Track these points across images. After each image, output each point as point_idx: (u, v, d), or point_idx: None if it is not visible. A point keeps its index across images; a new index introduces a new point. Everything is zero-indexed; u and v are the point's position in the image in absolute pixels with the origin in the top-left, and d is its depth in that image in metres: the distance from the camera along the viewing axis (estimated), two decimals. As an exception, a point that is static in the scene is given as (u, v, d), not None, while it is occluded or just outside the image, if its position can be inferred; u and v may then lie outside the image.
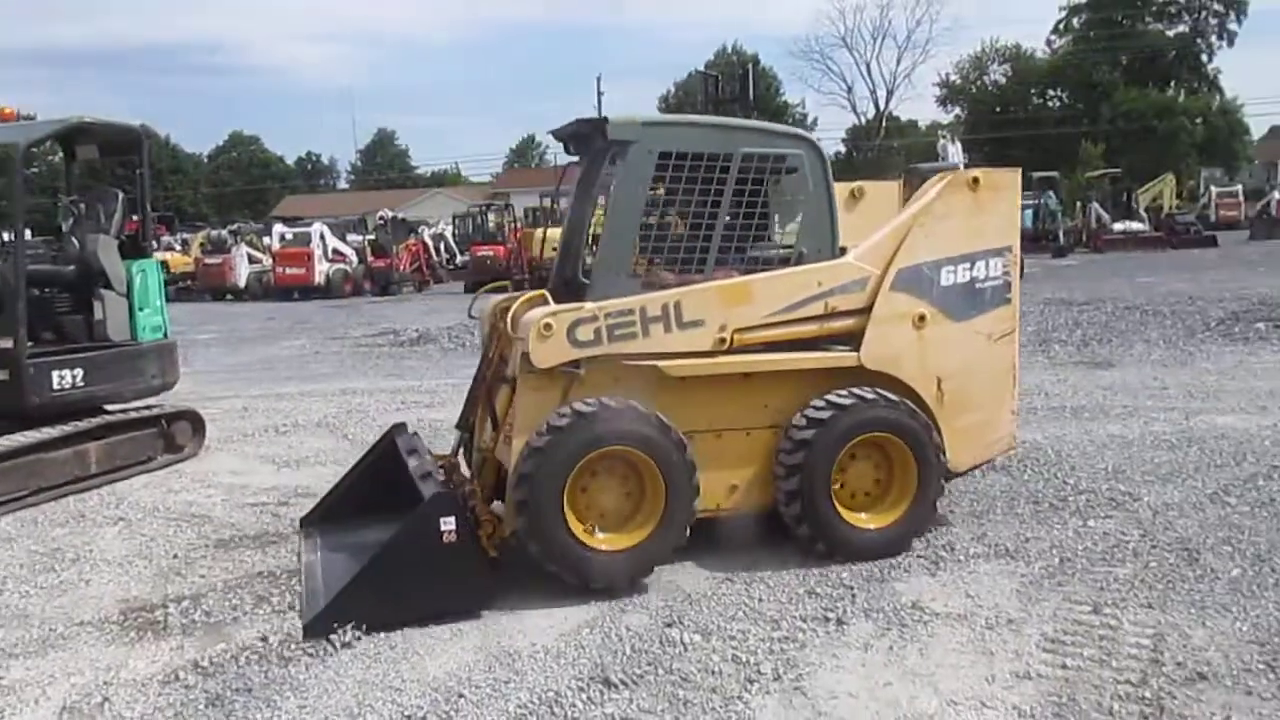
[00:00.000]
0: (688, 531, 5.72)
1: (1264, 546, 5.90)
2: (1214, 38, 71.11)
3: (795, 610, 5.24)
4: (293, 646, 4.96)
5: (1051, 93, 74.30)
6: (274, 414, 11.36)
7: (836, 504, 5.93)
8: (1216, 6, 70.23)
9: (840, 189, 6.59)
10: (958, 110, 77.32)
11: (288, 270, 32.06)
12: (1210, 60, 71.34)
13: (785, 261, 6.22)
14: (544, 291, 6.00)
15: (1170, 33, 71.69)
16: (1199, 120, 65.04)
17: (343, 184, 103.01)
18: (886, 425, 5.94)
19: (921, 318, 6.10)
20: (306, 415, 11.21)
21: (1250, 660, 4.49)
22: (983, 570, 5.75)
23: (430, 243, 38.55)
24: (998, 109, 72.73)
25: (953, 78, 78.04)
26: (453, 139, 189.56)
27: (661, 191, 6.06)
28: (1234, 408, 9.77)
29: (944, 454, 6.10)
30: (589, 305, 5.65)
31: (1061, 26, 74.68)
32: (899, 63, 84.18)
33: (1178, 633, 4.81)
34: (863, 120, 74.77)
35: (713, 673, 4.56)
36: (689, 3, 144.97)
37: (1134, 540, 6.12)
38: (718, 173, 6.01)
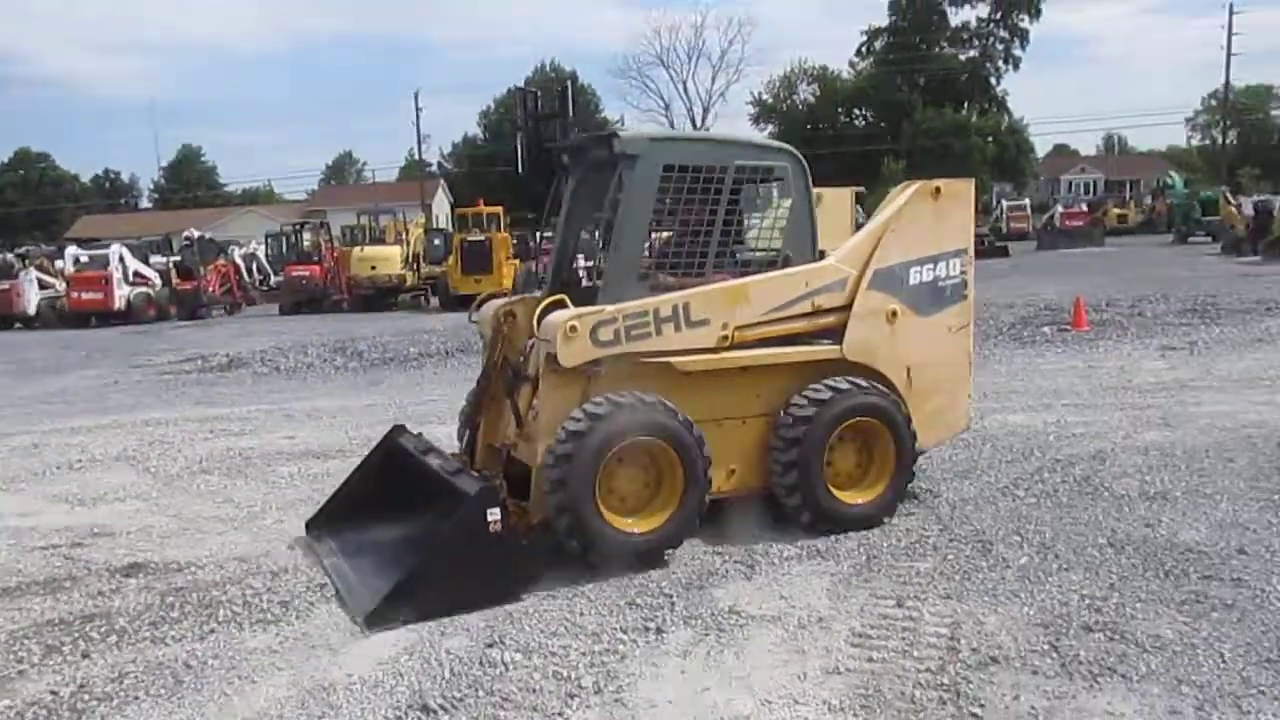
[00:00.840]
0: (704, 509, 6.23)
1: (1049, 535, 6.33)
2: (1001, 62, 76.13)
3: (616, 622, 5.28)
4: (86, 697, 4.66)
5: (857, 111, 77.84)
6: (68, 449, 10.65)
7: (831, 488, 6.56)
8: (1003, 34, 75.20)
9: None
10: (771, 127, 79.96)
11: (83, 295, 30.13)
12: (999, 83, 76.35)
13: (772, 264, 6.78)
14: (563, 296, 6.37)
15: (963, 57, 76.28)
16: (990, 139, 69.33)
17: (145, 203, 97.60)
18: (868, 410, 6.59)
19: (893, 313, 6.81)
20: (104, 449, 10.55)
21: (1036, 642, 4.81)
22: (796, 571, 5.94)
23: (241, 263, 37.12)
24: (808, 126, 75.58)
25: (765, 97, 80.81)
26: (265, 156, 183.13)
27: (667, 201, 6.59)
28: (1023, 406, 10.45)
29: (915, 434, 6.78)
30: (609, 308, 6.12)
31: (864, 49, 78.44)
32: (714, 81, 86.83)
33: (973, 620, 5.10)
34: (682, 138, 76.10)
35: (533, 691, 4.54)
36: (508, 20, 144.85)
37: (934, 535, 6.46)
38: (714, 184, 6.51)
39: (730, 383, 6.49)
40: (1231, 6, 66.10)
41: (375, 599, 5.51)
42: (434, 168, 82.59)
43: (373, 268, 30.18)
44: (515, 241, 31.52)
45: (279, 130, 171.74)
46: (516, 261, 28.76)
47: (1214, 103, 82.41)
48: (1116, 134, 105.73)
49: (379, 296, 29.77)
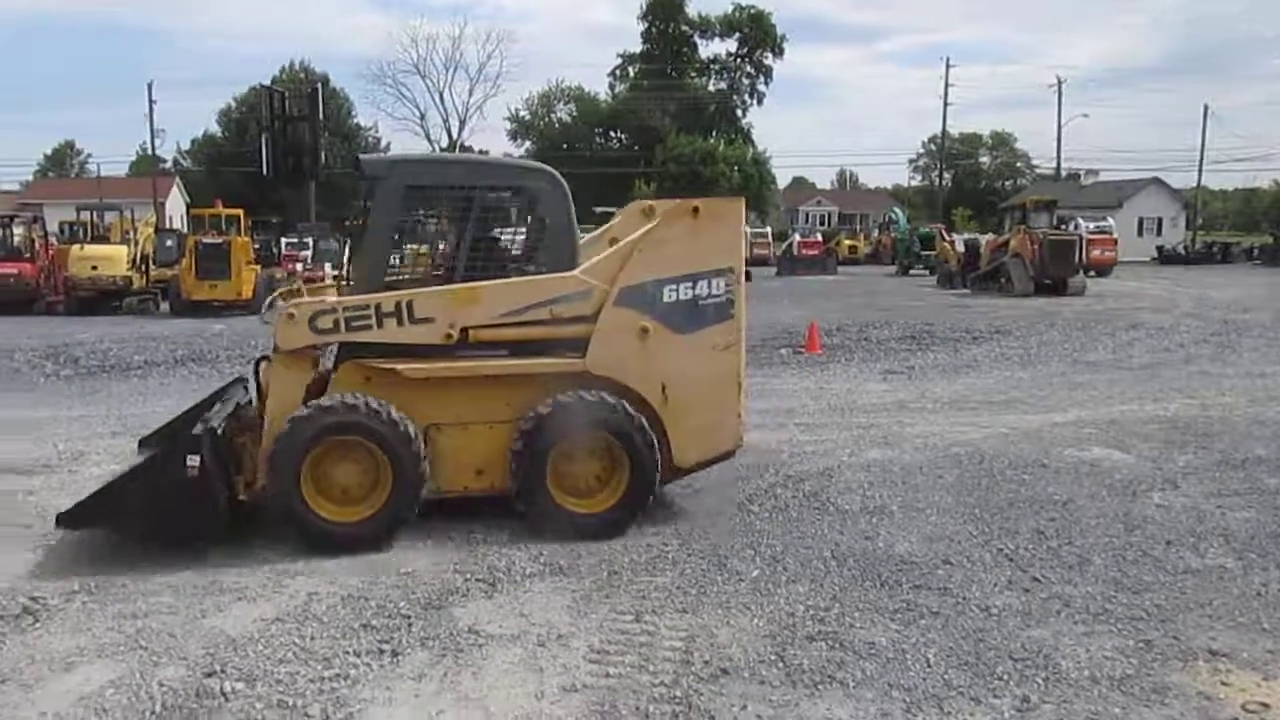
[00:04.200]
0: (415, 510, 6.59)
1: (779, 549, 6.63)
2: (747, 96, 79.95)
3: (349, 646, 5.08)
4: None
5: (612, 134, 79.51)
6: None
7: (551, 489, 6.75)
8: (749, 69, 79.01)
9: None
10: (528, 144, 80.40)
11: None
12: (744, 116, 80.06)
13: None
14: (300, 287, 7.13)
15: (712, 88, 79.52)
16: (736, 168, 72.44)
17: None
18: (596, 426, 6.72)
19: (644, 330, 6.86)
20: None
21: (764, 652, 5.01)
22: (537, 589, 5.93)
23: (-63, 258, 33.23)
24: (564, 146, 76.51)
25: (522, 113, 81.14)
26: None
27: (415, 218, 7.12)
28: (759, 424, 10.85)
29: (658, 452, 6.84)
30: (330, 299, 6.69)
31: (618, 73, 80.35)
32: (471, 94, 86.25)
33: (706, 633, 5.26)
34: (436, 148, 75.30)
35: (255, 722, 4.29)
36: (254, 14, 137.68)
37: (673, 550, 6.61)
38: (463, 202, 6.84)
39: (475, 389, 6.78)
40: (948, 60, 72.72)
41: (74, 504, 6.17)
42: (169, 164, 77.49)
43: (94, 268, 27.67)
44: (257, 246, 29.97)
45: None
46: (258, 267, 27.35)
47: (933, 147, 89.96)
48: (849, 170, 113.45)
49: (101, 299, 27.39)
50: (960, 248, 36.41)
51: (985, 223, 69.01)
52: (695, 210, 6.98)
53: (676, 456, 7.05)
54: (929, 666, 4.86)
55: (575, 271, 6.92)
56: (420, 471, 6.52)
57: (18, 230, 31.97)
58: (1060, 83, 73.75)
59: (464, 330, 6.68)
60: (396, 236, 7.08)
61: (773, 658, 4.95)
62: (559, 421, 6.66)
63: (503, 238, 7.17)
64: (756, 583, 6.02)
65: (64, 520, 6.19)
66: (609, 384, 6.83)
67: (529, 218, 7.26)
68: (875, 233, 59.07)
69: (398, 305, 6.59)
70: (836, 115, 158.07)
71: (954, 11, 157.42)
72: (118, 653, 4.99)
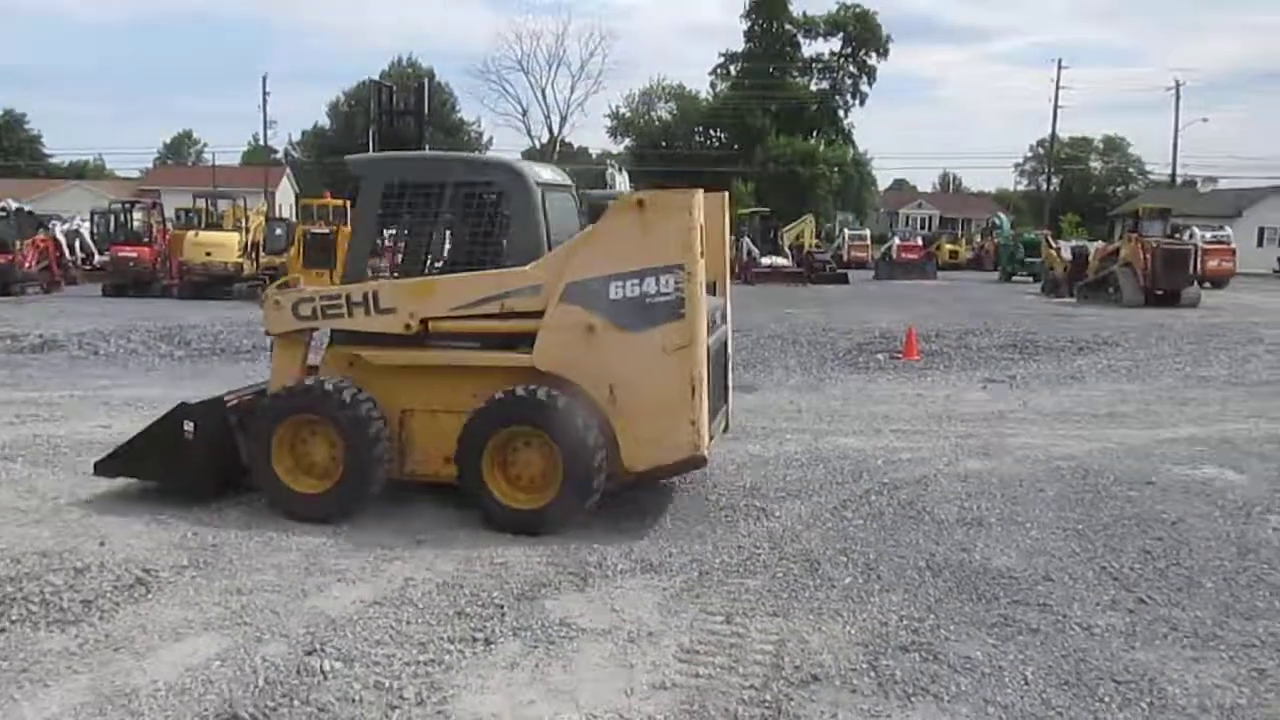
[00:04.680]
0: (374, 490, 6.95)
1: (873, 556, 6.53)
2: (849, 96, 78.98)
3: (443, 632, 5.17)
4: None
5: (712, 133, 79.31)
6: None
7: (486, 478, 6.80)
8: (851, 69, 78.03)
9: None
10: (627, 141, 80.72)
11: (-121, 264, 27.72)
12: (846, 116, 79.09)
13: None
14: (298, 277, 8.01)
15: (814, 88, 78.74)
16: (836, 169, 71.63)
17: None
18: (523, 420, 6.74)
19: (591, 328, 6.69)
20: (-108, 429, 9.72)
21: (856, 660, 4.95)
22: (628, 585, 5.95)
23: (63, 240, 34.82)
24: (663, 144, 76.61)
25: (623, 110, 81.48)
26: (97, 129, 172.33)
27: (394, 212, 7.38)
28: (855, 430, 10.79)
29: (594, 452, 6.64)
30: (309, 289, 7.38)
31: (720, 72, 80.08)
32: (573, 91, 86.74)
33: (797, 638, 5.21)
34: (537, 144, 76.12)
35: (352, 701, 4.40)
36: (365, 9, 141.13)
37: (765, 553, 6.57)
38: (435, 198, 7.19)
39: (442, 379, 7.06)
40: (1060, 62, 70.68)
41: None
42: (280, 155, 79.99)
43: (208, 254, 28.77)
44: (361, 236, 30.73)
45: (114, 103, 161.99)
46: (361, 257, 28.04)
47: (1040, 150, 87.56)
48: (952, 173, 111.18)
49: (212, 284, 28.42)
50: (1067, 255, 35.33)
51: (1094, 230, 66.78)
52: (640, 203, 6.70)
53: (626, 460, 6.80)
54: (1026, 684, 4.74)
55: (526, 266, 6.92)
56: (375, 453, 6.83)
57: (138, 215, 33.34)
58: (1178, 85, 70.98)
59: (424, 321, 6.95)
60: (379, 230, 7.59)
61: (864, 666, 4.88)
62: (492, 415, 6.75)
63: (472, 232, 7.33)
64: (849, 590, 5.95)
65: (100, 468, 7.46)
66: (554, 381, 6.75)
67: (494, 212, 7.33)
68: (978, 237, 57.77)
69: (365, 295, 7.01)
70: (940, 117, 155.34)
71: (1068, 12, 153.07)
72: (224, 627, 5.17)
